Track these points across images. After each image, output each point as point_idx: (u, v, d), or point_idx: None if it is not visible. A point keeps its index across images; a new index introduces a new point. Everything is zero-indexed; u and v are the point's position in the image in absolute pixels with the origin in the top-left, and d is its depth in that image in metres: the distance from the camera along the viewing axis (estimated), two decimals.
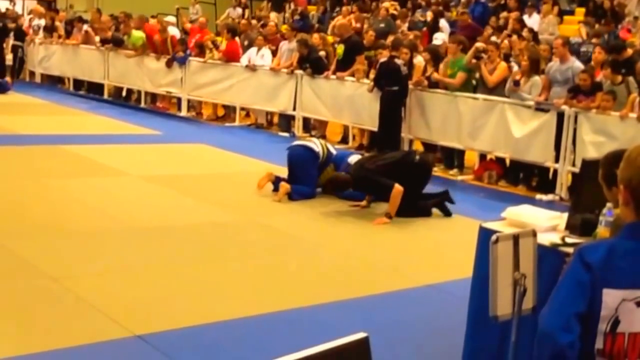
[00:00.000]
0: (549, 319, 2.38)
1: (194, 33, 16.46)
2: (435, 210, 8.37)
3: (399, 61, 11.24)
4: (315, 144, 8.96)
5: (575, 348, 2.35)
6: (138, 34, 16.39)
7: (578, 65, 10.08)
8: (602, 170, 2.87)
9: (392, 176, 7.97)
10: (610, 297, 2.38)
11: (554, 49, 10.38)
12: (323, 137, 13.55)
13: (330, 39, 14.72)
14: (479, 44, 11.28)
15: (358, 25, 15.26)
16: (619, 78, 9.44)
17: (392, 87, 11.18)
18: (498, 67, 10.70)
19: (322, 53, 13.50)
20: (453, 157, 11.16)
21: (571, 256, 2.49)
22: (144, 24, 16.54)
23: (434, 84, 11.32)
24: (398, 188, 7.89)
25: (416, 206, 8.18)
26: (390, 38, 12.66)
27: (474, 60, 10.89)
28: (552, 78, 10.07)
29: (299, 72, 13.34)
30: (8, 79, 17.34)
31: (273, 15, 19.47)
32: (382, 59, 11.56)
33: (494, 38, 12.10)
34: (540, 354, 2.39)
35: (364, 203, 8.46)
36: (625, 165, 2.45)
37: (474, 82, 11.04)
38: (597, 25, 14.41)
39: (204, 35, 16.16)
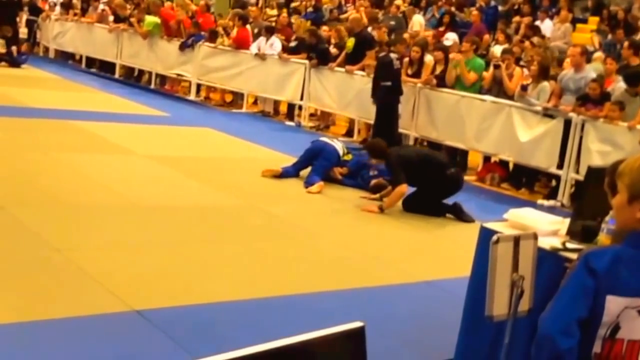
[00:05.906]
0: (550, 323, 2.37)
1: (199, 16, 16.52)
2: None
3: (392, 55, 11.23)
4: (339, 146, 9.25)
5: (574, 353, 2.35)
6: (151, 19, 16.39)
7: (592, 76, 9.96)
8: (608, 178, 2.83)
9: (415, 173, 8.03)
10: (613, 304, 2.38)
11: (570, 57, 10.24)
12: (327, 127, 13.62)
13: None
14: (495, 57, 11.31)
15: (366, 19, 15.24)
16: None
17: (385, 82, 11.18)
18: (514, 73, 10.71)
19: (333, 51, 13.53)
20: (456, 157, 11.17)
21: (576, 261, 2.47)
22: (160, 9, 16.54)
23: (442, 84, 11.34)
24: (403, 188, 7.97)
25: (430, 207, 8.19)
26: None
27: (492, 69, 10.92)
28: (564, 86, 10.02)
29: (306, 62, 13.44)
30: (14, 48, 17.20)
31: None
32: (381, 54, 11.60)
33: (498, 47, 12.06)
34: (539, 356, 2.39)
35: (375, 196, 8.54)
36: None
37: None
38: (609, 36, 14.39)
39: (206, 18, 16.24)
